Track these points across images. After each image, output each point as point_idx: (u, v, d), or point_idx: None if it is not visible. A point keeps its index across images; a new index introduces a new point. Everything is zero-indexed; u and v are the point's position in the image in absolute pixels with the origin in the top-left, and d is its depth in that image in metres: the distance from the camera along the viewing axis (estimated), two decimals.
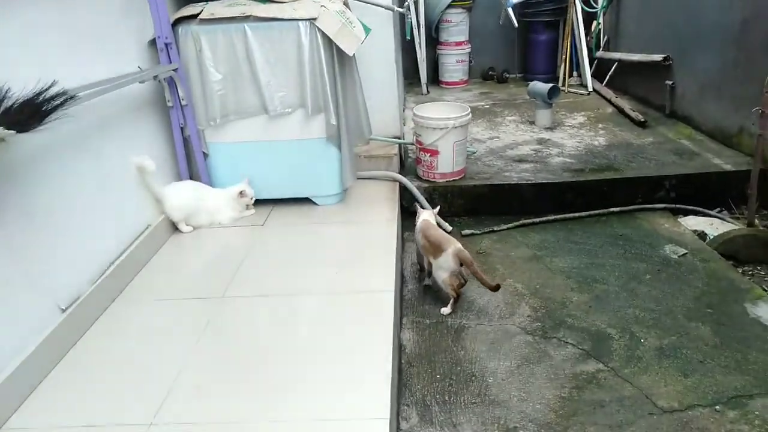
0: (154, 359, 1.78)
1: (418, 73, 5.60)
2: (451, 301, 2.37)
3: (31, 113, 1.38)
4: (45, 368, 1.71)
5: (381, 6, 3.24)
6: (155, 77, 2.41)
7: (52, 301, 1.80)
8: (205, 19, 2.58)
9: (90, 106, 1.99)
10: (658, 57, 4.25)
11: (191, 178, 2.81)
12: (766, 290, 2.47)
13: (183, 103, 2.64)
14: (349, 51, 2.60)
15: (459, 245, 2.31)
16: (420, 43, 5.45)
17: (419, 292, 2.58)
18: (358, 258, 2.33)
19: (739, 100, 3.40)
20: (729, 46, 3.49)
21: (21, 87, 1.53)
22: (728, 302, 2.37)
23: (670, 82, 4.17)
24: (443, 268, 2.31)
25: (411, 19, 4.70)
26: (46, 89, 1.44)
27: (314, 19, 2.56)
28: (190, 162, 2.79)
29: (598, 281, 2.60)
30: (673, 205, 3.24)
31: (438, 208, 2.80)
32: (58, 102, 1.46)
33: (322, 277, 2.20)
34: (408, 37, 4.62)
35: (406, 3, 4.24)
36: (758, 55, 3.22)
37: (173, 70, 2.56)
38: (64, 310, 1.84)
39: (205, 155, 2.78)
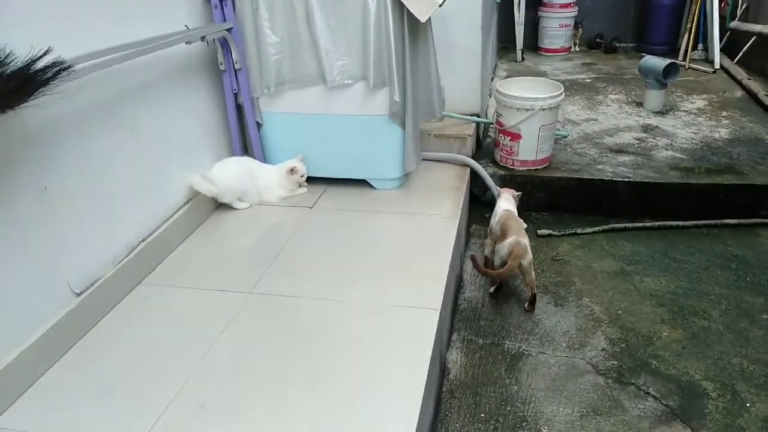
0: (163, 362, 1.61)
1: (514, 37, 5.06)
2: (495, 287, 2.29)
3: (15, 87, 1.18)
4: (48, 359, 1.59)
5: None
6: (203, 38, 2.18)
7: (65, 284, 1.67)
8: None
9: (123, 70, 1.80)
10: None
11: (244, 150, 2.61)
12: None
13: (237, 66, 2.40)
14: (422, 17, 2.23)
15: (520, 239, 2.11)
16: (519, 3, 4.89)
17: (477, 302, 2.26)
18: (407, 262, 2.03)
19: None
20: None
21: (27, 49, 1.34)
22: None
23: None
24: (498, 255, 2.16)
25: None
26: (37, 58, 1.23)
27: None
28: (243, 132, 2.58)
29: (698, 314, 2.14)
30: None
31: (519, 194, 2.48)
32: (49, 75, 1.25)
33: (363, 281, 1.93)
34: (499, 0, 4.10)
35: None
36: None
37: (227, 30, 2.32)
38: (78, 294, 1.70)
39: (259, 125, 2.56)
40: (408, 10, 2.22)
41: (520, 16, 4.94)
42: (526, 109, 2.71)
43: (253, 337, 1.70)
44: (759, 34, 4.18)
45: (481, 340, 2.05)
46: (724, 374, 1.86)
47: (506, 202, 2.37)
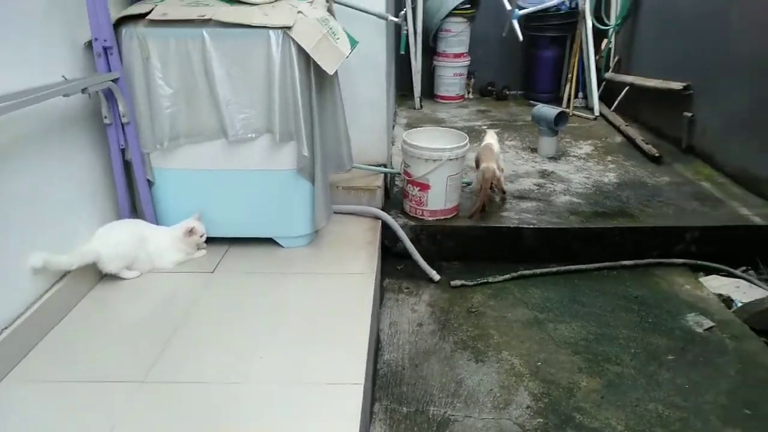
0: None
1: (412, 85, 5.17)
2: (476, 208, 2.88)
3: None
4: None
5: (373, 14, 2.79)
6: (84, 90, 1.94)
7: None
8: (156, 20, 2.12)
9: None
10: (677, 85, 3.84)
11: (134, 211, 2.35)
12: None
13: (124, 120, 2.17)
14: (330, 69, 2.16)
15: (489, 165, 2.85)
16: (415, 53, 5.02)
17: (397, 365, 2.14)
18: (322, 329, 1.88)
19: None
20: (764, 78, 3.09)
21: None
22: None
23: (689, 114, 3.77)
24: (477, 180, 2.93)
25: (407, 30, 4.25)
26: None
27: (289, 27, 2.11)
28: (132, 191, 2.32)
29: (611, 360, 2.18)
30: (694, 261, 2.83)
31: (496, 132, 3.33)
32: None
33: (274, 356, 1.75)
34: (402, 52, 4.17)
35: (403, 12, 3.80)
36: None
37: (112, 80, 2.10)
38: None
39: (150, 183, 2.32)
40: (314, 62, 2.14)
41: (417, 65, 5.07)
42: (434, 160, 2.71)
43: None
44: (631, 85, 4.59)
45: (404, 409, 1.93)
46: (643, 422, 1.88)
47: (489, 137, 3.17)
